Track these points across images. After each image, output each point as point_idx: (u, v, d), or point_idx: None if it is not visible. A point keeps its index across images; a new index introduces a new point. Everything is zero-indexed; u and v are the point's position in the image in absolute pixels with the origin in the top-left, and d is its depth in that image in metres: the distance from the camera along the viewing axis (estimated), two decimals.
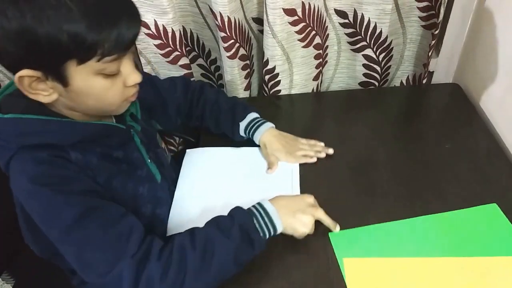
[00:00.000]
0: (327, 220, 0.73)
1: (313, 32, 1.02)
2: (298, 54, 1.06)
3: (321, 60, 1.10)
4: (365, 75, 1.14)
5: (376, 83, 1.16)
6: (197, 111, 0.95)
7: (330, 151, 0.90)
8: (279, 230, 0.68)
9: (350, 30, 1.07)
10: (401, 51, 1.12)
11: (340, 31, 1.09)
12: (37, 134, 0.61)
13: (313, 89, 1.15)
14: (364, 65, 1.12)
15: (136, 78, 0.65)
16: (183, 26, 1.07)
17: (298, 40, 1.02)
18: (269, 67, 1.06)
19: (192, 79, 1.10)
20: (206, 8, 1.01)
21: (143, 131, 0.78)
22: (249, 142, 0.93)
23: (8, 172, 0.62)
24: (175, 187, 0.86)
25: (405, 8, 1.02)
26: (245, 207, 0.77)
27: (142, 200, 0.75)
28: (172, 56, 1.04)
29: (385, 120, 1.00)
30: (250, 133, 0.90)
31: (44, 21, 0.53)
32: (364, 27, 1.04)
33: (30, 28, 0.53)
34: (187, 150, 0.95)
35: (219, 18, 0.94)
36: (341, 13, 1.05)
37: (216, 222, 0.67)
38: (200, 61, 1.18)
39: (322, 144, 0.92)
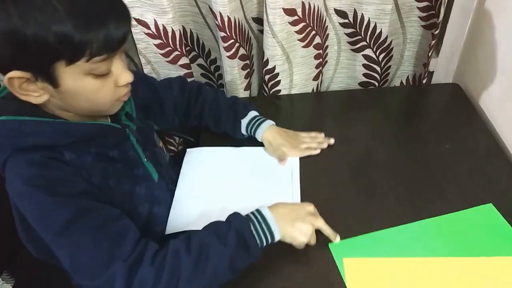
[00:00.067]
0: (327, 230, 0.72)
1: (313, 32, 1.02)
2: (298, 54, 1.05)
3: (321, 60, 1.10)
4: (365, 75, 1.14)
5: (376, 83, 1.16)
6: (195, 110, 0.95)
7: (332, 141, 0.92)
8: (276, 238, 0.67)
9: (350, 30, 1.07)
10: (401, 51, 1.12)
11: (340, 31, 1.09)
12: (30, 136, 0.61)
13: (313, 89, 1.15)
14: (364, 65, 1.12)
15: (128, 77, 0.65)
16: (183, 26, 1.07)
17: (298, 40, 1.02)
18: (269, 67, 1.06)
19: (192, 79, 1.10)
20: (206, 7, 1.01)
21: (139, 130, 0.77)
22: (249, 141, 0.93)
23: (4, 174, 0.62)
24: (174, 186, 0.86)
25: (405, 8, 1.02)
26: (245, 207, 0.77)
27: (139, 199, 0.75)
28: (172, 56, 1.04)
29: (385, 120, 1.00)
30: (252, 131, 0.91)
31: (31, 22, 0.53)
32: (364, 27, 1.04)
33: (17, 29, 0.53)
34: (188, 149, 0.95)
35: (219, 18, 0.94)
36: (341, 13, 1.05)
37: (212, 227, 0.66)
38: (200, 61, 1.18)
39: (323, 135, 0.93)
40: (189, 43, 1.13)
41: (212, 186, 0.86)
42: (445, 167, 0.86)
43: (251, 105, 0.94)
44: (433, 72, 1.16)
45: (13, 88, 0.58)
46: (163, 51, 1.03)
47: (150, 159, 0.79)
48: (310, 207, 0.72)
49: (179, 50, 1.02)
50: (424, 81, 1.13)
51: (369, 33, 1.05)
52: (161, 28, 0.97)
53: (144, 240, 0.64)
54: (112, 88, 0.64)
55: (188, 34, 1.11)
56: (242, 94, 1.12)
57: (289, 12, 0.95)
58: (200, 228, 0.73)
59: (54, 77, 0.58)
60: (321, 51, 1.08)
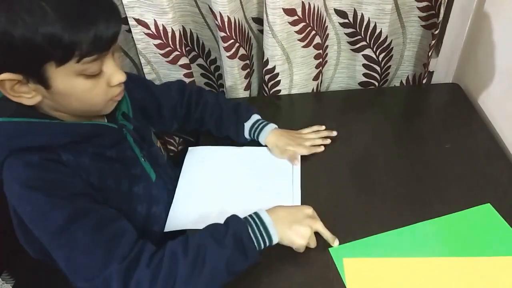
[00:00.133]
0: (326, 233, 0.72)
1: (313, 32, 1.02)
2: (298, 54, 1.05)
3: (321, 60, 1.10)
4: (365, 75, 1.14)
5: (376, 83, 1.16)
6: (196, 114, 0.94)
7: (334, 133, 0.94)
8: (274, 241, 0.67)
9: (350, 30, 1.07)
10: (401, 51, 1.12)
11: (340, 31, 1.09)
12: (27, 137, 0.61)
13: (313, 89, 1.15)
14: (364, 65, 1.12)
15: (120, 77, 0.64)
16: (183, 26, 1.07)
17: (298, 40, 1.02)
18: (269, 67, 1.06)
19: (191, 79, 1.10)
20: (206, 8, 1.01)
21: (136, 130, 0.77)
22: (251, 141, 0.93)
23: (1, 176, 0.62)
24: (172, 185, 0.86)
25: (405, 8, 1.02)
26: (246, 207, 0.77)
27: (137, 199, 0.75)
28: (172, 56, 1.04)
29: (385, 120, 1.00)
30: (255, 134, 0.90)
31: (19, 24, 0.53)
32: (364, 27, 1.04)
33: (5, 32, 0.53)
34: (189, 148, 0.95)
35: (219, 18, 0.94)
36: (341, 13, 1.05)
37: (210, 229, 0.66)
38: (200, 61, 1.18)
39: (323, 127, 0.95)
40: (189, 43, 1.13)
41: (213, 185, 0.86)
42: (445, 167, 0.86)
43: (253, 109, 0.94)
44: (433, 72, 1.16)
45: (5, 90, 0.58)
46: (163, 51, 1.03)
47: (147, 158, 0.79)
48: (309, 210, 0.72)
49: (179, 50, 1.02)
50: (424, 81, 1.13)
51: (369, 33, 1.05)
52: (161, 28, 0.97)
53: (141, 241, 0.64)
54: (105, 88, 0.64)
55: (188, 34, 1.11)
56: (242, 94, 1.12)
57: (289, 12, 0.95)
58: (199, 227, 0.73)
59: (45, 79, 0.58)
60: (321, 51, 1.08)
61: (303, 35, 1.01)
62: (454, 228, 0.74)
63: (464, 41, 1.07)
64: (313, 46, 1.05)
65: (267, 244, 0.67)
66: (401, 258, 0.70)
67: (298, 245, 0.69)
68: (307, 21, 0.99)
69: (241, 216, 0.70)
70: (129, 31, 1.00)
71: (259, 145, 0.92)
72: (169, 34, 0.99)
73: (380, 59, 1.09)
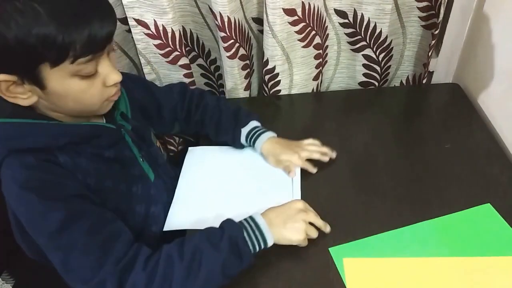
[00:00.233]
0: (318, 222, 0.72)
1: (313, 32, 1.02)
2: (298, 54, 1.05)
3: (321, 60, 1.10)
4: (365, 75, 1.14)
5: (376, 83, 1.16)
6: (196, 116, 0.94)
7: (334, 154, 0.88)
8: (269, 244, 0.67)
9: (350, 30, 1.07)
10: (401, 51, 1.12)
11: (340, 31, 1.09)
12: (24, 138, 0.61)
13: (313, 89, 1.15)
14: (364, 65, 1.12)
15: (115, 77, 0.64)
16: (183, 26, 1.07)
17: (298, 40, 1.02)
18: (269, 67, 1.06)
19: (191, 79, 1.10)
20: (206, 8, 1.01)
21: (135, 130, 0.77)
22: None
23: (0, 175, 0.62)
24: (172, 185, 0.86)
25: (405, 8, 1.02)
26: (245, 207, 0.77)
27: (135, 199, 0.75)
28: (172, 56, 1.04)
29: (385, 120, 1.00)
30: (252, 141, 0.88)
31: (12, 25, 0.53)
32: (364, 27, 1.04)
33: None
34: (189, 148, 0.95)
35: (219, 18, 0.94)
36: (341, 13, 1.05)
37: (206, 233, 0.66)
38: (200, 61, 1.18)
39: (318, 143, 0.89)
40: (189, 43, 1.13)
41: (213, 185, 0.86)
42: (445, 167, 0.86)
43: (254, 115, 0.92)
44: (433, 72, 1.16)
45: (1, 91, 0.58)
46: (163, 52, 1.03)
47: (146, 158, 0.79)
48: (299, 204, 0.72)
49: (179, 50, 1.02)
50: (424, 81, 1.13)
51: (369, 33, 1.05)
52: (161, 28, 0.97)
53: (137, 244, 0.64)
54: (100, 89, 0.64)
55: (188, 35, 1.11)
56: (242, 94, 1.12)
57: (289, 12, 0.95)
58: (198, 227, 0.74)
59: (40, 79, 0.58)
60: (321, 51, 1.08)
61: (303, 35, 1.01)
62: (454, 228, 0.74)
63: (464, 41, 1.07)
64: (313, 46, 1.05)
65: (262, 247, 0.67)
66: (401, 258, 0.70)
67: (297, 241, 0.70)
68: (307, 21, 0.99)
69: (241, 216, 0.70)
70: (129, 31, 1.00)
71: None
72: (169, 34, 0.99)
73: (380, 59, 1.09)
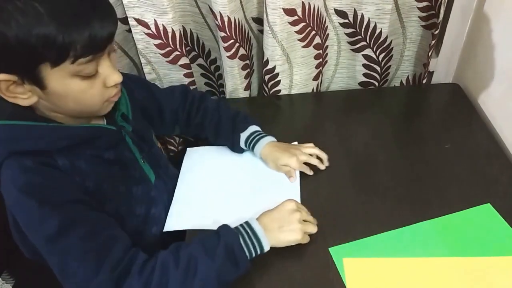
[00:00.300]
0: (309, 218, 0.73)
1: (313, 32, 1.02)
2: (298, 54, 1.05)
3: (321, 60, 1.10)
4: (365, 75, 1.14)
5: (376, 83, 1.16)
6: (196, 119, 0.93)
7: (326, 164, 0.87)
8: (266, 249, 0.67)
9: (350, 30, 1.07)
10: (401, 51, 1.12)
11: (340, 31, 1.09)
12: (23, 140, 0.61)
13: (313, 89, 1.15)
14: (364, 65, 1.12)
15: (116, 78, 0.64)
16: (183, 26, 1.07)
17: (298, 40, 1.02)
18: (269, 67, 1.06)
19: (192, 79, 1.10)
20: (206, 8, 1.01)
21: (135, 131, 0.77)
22: None
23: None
24: (171, 186, 0.86)
25: (405, 8, 1.02)
26: (245, 207, 0.77)
27: (135, 200, 0.75)
28: (172, 56, 1.04)
29: (385, 120, 1.00)
30: (251, 146, 0.88)
31: (13, 25, 0.53)
32: (364, 27, 1.04)
33: None
34: (188, 149, 0.95)
35: (219, 18, 0.94)
36: (341, 13, 1.05)
37: (201, 240, 0.66)
38: (200, 61, 1.18)
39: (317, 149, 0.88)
40: (189, 43, 1.13)
41: (212, 185, 0.86)
42: (445, 167, 0.86)
43: (252, 120, 0.91)
44: (433, 72, 1.16)
45: (0, 91, 0.58)
46: (163, 51, 1.03)
47: (147, 160, 0.79)
48: (291, 204, 0.72)
49: (179, 50, 1.02)
50: (424, 81, 1.13)
51: (369, 33, 1.05)
52: (161, 28, 0.97)
53: (134, 250, 0.64)
54: (101, 89, 0.64)
55: (188, 34, 1.11)
56: (242, 94, 1.12)
57: (289, 12, 0.95)
58: (198, 227, 0.74)
59: (41, 79, 0.58)
60: (321, 51, 1.08)
61: (303, 35, 1.01)
62: (454, 228, 0.74)
63: (464, 41, 1.07)
64: (313, 46, 1.05)
65: (259, 253, 0.67)
66: (401, 258, 0.70)
67: (295, 242, 0.70)
68: (307, 21, 0.99)
69: (240, 217, 0.70)
70: (129, 31, 1.00)
71: None
72: (169, 34, 0.99)
73: (380, 59, 1.09)
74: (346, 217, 0.77)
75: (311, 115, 1.10)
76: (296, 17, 0.97)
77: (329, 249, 0.72)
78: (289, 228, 0.69)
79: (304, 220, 0.72)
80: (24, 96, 0.60)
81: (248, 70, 1.10)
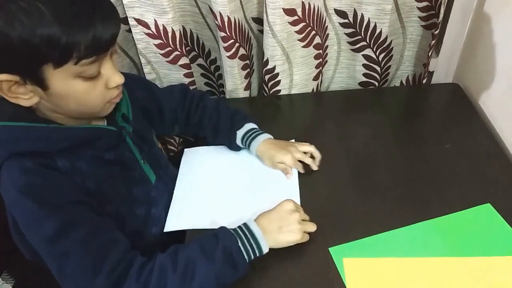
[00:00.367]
0: (307, 218, 0.73)
1: (313, 32, 1.02)
2: (298, 54, 1.05)
3: (321, 60, 1.10)
4: (365, 75, 1.14)
5: (376, 83, 1.16)
6: (195, 118, 0.93)
7: (314, 167, 0.86)
8: (264, 251, 0.67)
9: (350, 30, 1.07)
10: (401, 51, 1.12)
11: (340, 31, 1.09)
12: (23, 142, 0.61)
13: (313, 89, 1.15)
14: (364, 65, 1.12)
15: (118, 79, 0.64)
16: (183, 26, 1.07)
17: (298, 40, 1.02)
18: (269, 67, 1.06)
19: (192, 79, 1.10)
20: (206, 8, 1.01)
21: (136, 131, 0.77)
22: None
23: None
24: (172, 186, 0.86)
25: (405, 8, 1.02)
26: (244, 207, 0.77)
27: (136, 201, 0.75)
28: (172, 56, 1.04)
29: (385, 120, 1.00)
30: (247, 143, 0.88)
31: (16, 25, 0.53)
32: (364, 27, 1.04)
33: (2, 33, 0.53)
34: (185, 150, 0.95)
35: (219, 18, 0.94)
36: (341, 13, 1.05)
37: (200, 243, 0.66)
38: (200, 61, 1.18)
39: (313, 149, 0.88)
40: (189, 43, 1.13)
41: (210, 185, 0.86)
42: (445, 167, 0.86)
43: (250, 118, 0.91)
44: (433, 72, 1.16)
45: (2, 91, 0.58)
46: (163, 51, 1.03)
47: (147, 160, 0.79)
48: (290, 205, 0.71)
49: (179, 50, 1.02)
50: (424, 81, 1.13)
51: (369, 33, 1.05)
52: (161, 28, 0.97)
53: (132, 252, 0.64)
54: (103, 90, 0.64)
55: (188, 34, 1.11)
56: (242, 94, 1.12)
57: (289, 12, 0.95)
58: (198, 227, 0.73)
59: (43, 80, 0.58)
60: (321, 51, 1.08)
61: (303, 35, 1.01)
62: (454, 228, 0.74)
63: (464, 41, 1.07)
64: (313, 46, 1.05)
65: (257, 255, 0.67)
66: (401, 258, 0.70)
67: (295, 241, 0.69)
68: (307, 21, 0.99)
69: (239, 216, 0.70)
70: (129, 31, 1.00)
71: None
72: (169, 34, 0.99)
73: (380, 59, 1.09)
74: (346, 217, 0.77)
75: (311, 115, 1.09)
76: (296, 17, 0.97)
77: (329, 249, 0.72)
78: (288, 228, 0.69)
79: (303, 220, 0.72)
80: (25, 96, 0.60)
81: (248, 70, 1.10)
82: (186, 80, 1.09)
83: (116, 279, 0.60)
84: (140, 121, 0.83)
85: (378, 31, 1.03)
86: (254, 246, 0.66)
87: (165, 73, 1.09)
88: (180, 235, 0.77)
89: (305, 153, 0.87)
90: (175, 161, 0.94)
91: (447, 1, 0.98)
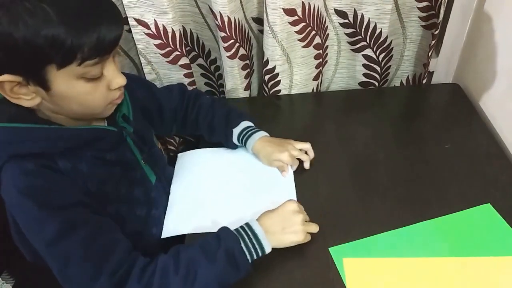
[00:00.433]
0: (307, 218, 0.73)
1: (313, 32, 1.02)
2: (298, 54, 1.05)
3: (321, 60, 1.10)
4: (365, 75, 1.14)
5: (376, 83, 1.16)
6: (191, 116, 0.93)
7: (306, 166, 0.87)
8: (267, 252, 0.67)
9: (350, 30, 1.07)
10: (401, 51, 1.12)
11: (340, 31, 1.09)
12: (24, 143, 0.61)
13: (313, 89, 1.15)
14: (364, 65, 1.12)
15: (120, 81, 0.64)
16: (183, 26, 1.07)
17: (298, 40, 1.02)
18: (269, 67, 1.06)
19: (192, 79, 1.10)
20: (206, 8, 1.01)
21: (136, 132, 0.77)
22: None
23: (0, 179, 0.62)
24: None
25: (405, 8, 1.02)
26: (242, 208, 0.77)
27: (136, 202, 0.75)
28: (172, 56, 1.04)
29: (385, 120, 1.00)
30: (243, 141, 0.88)
31: (21, 25, 0.52)
32: (364, 27, 1.04)
33: (7, 33, 0.53)
34: (178, 154, 0.95)
35: (219, 18, 0.94)
36: (341, 13, 1.05)
37: (201, 244, 0.66)
38: (200, 61, 1.18)
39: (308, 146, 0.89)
40: (189, 43, 1.13)
41: (206, 188, 0.85)
42: (445, 167, 0.86)
43: (246, 115, 0.92)
44: (433, 72, 1.16)
45: (4, 92, 0.58)
46: (163, 51, 1.03)
47: (147, 160, 0.79)
48: (293, 206, 0.71)
49: (179, 50, 1.02)
50: (424, 81, 1.13)
51: (369, 33, 1.05)
52: (161, 28, 0.97)
53: (134, 253, 0.64)
54: (105, 92, 0.64)
55: (188, 34, 1.11)
56: (242, 94, 1.12)
57: (289, 12, 0.95)
58: (197, 231, 0.73)
59: (46, 81, 0.58)
60: (321, 51, 1.08)
61: (303, 35, 1.01)
62: (454, 228, 0.74)
63: (464, 41, 1.07)
64: (313, 46, 1.05)
65: (260, 255, 0.67)
66: (401, 258, 0.70)
67: (298, 241, 0.69)
68: (307, 21, 0.99)
69: (238, 218, 0.69)
70: (129, 31, 1.00)
71: None
72: (169, 34, 0.99)
73: (380, 59, 1.09)
74: (346, 217, 0.77)
75: (311, 115, 1.10)
76: (296, 17, 0.97)
77: (329, 249, 0.72)
78: (292, 229, 0.69)
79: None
80: (27, 97, 0.60)
81: (248, 70, 1.10)
82: (186, 80, 1.09)
83: (118, 281, 0.60)
84: (140, 121, 0.83)
85: (378, 31, 1.03)
86: (257, 246, 0.66)
87: (165, 73, 1.09)
88: (180, 235, 0.77)
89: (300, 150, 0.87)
90: (175, 161, 0.94)
91: (447, 1, 0.98)
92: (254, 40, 1.11)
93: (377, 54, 1.08)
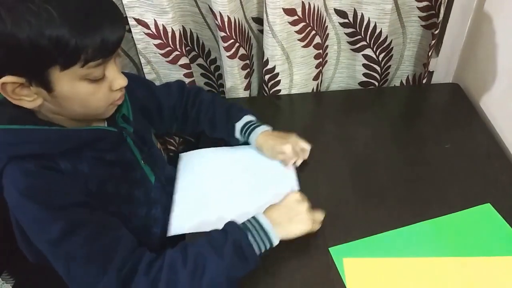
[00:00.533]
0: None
1: (313, 32, 1.02)
2: (298, 54, 1.05)
3: (321, 60, 1.10)
4: (365, 75, 1.14)
5: (376, 83, 1.16)
6: (192, 113, 0.93)
7: (298, 162, 0.87)
8: (275, 243, 0.67)
9: (350, 30, 1.07)
10: (401, 51, 1.12)
11: (340, 31, 1.09)
12: (24, 145, 0.61)
13: (313, 89, 1.15)
14: (364, 65, 1.12)
15: (122, 82, 0.65)
16: (183, 26, 1.07)
17: (298, 40, 1.02)
18: (269, 66, 1.06)
19: (191, 79, 1.10)
20: (206, 7, 1.01)
21: (136, 132, 0.77)
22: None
23: (1, 181, 0.62)
24: (170, 187, 0.85)
25: (405, 8, 1.02)
26: (247, 204, 0.77)
27: (137, 202, 0.75)
28: (172, 56, 1.04)
29: (385, 120, 1.00)
30: (246, 135, 0.89)
31: (25, 26, 0.52)
32: (364, 27, 1.04)
33: (11, 34, 0.52)
34: (180, 154, 0.95)
35: (219, 18, 0.94)
36: (341, 13, 1.05)
37: (209, 238, 0.66)
38: (200, 60, 1.18)
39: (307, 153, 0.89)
40: (189, 43, 1.13)
41: (211, 186, 0.86)
42: (445, 167, 0.86)
43: (247, 110, 0.92)
44: (433, 72, 1.16)
45: (6, 93, 0.58)
46: (163, 51, 1.03)
47: (147, 160, 0.79)
48: (296, 196, 0.72)
49: (179, 50, 1.02)
50: (424, 81, 1.13)
51: (369, 33, 1.05)
52: (161, 28, 0.97)
53: (140, 249, 0.64)
54: (107, 93, 0.64)
55: (188, 34, 1.11)
56: (242, 94, 1.12)
57: (289, 12, 0.95)
58: (203, 229, 0.73)
59: (49, 82, 0.58)
60: (321, 51, 1.08)
61: (303, 35, 1.01)
62: (454, 228, 0.74)
63: (464, 41, 1.07)
64: (313, 46, 1.05)
65: (267, 248, 0.67)
66: (401, 258, 0.70)
67: (307, 230, 0.69)
68: (307, 21, 0.99)
69: (243, 214, 0.69)
70: (129, 31, 1.00)
71: None
72: (169, 34, 0.99)
73: (380, 59, 1.09)
74: (346, 217, 0.77)
75: (311, 115, 1.09)
76: (296, 17, 0.97)
77: (329, 249, 0.72)
78: (298, 218, 0.69)
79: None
80: (29, 98, 0.59)
81: (248, 70, 1.10)
82: (186, 80, 1.09)
83: (124, 277, 0.60)
84: (140, 121, 0.83)
85: (378, 31, 1.03)
86: (264, 238, 0.66)
87: (165, 73, 1.09)
88: (180, 235, 0.77)
89: None
90: (175, 161, 0.94)
91: (447, 1, 0.98)
92: (254, 40, 1.11)
93: (377, 54, 1.08)
